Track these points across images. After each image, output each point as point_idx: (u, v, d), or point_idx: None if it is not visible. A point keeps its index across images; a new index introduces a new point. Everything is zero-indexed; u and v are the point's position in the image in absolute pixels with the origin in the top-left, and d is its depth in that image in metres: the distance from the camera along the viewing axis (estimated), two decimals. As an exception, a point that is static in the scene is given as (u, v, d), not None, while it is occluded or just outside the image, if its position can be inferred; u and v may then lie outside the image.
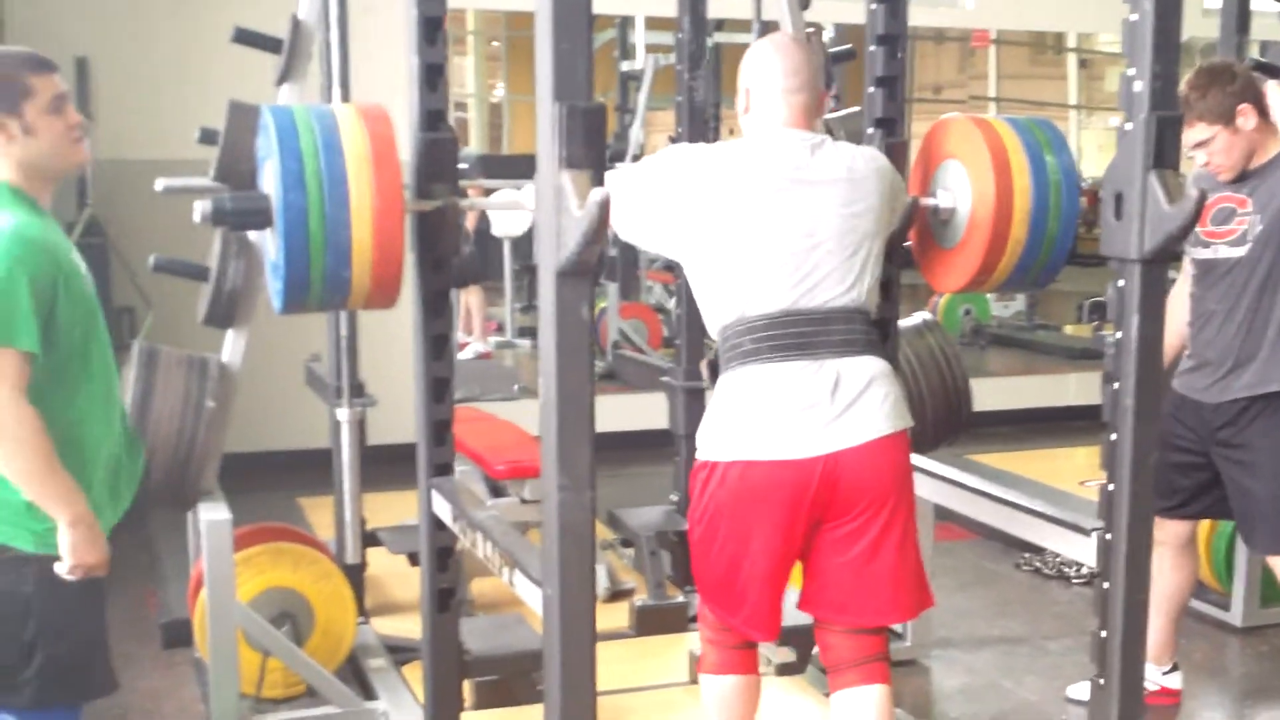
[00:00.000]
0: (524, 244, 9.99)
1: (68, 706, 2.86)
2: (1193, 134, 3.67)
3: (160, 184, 4.15)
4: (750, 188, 2.94)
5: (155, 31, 6.89)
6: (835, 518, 2.93)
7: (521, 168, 11.46)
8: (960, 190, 3.36)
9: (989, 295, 10.88)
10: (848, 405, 2.89)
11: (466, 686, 3.73)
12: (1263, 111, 3.66)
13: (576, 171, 2.30)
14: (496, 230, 9.73)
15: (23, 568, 2.75)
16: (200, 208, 3.04)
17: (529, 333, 10.38)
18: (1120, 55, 2.58)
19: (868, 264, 3.00)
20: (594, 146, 2.33)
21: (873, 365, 2.96)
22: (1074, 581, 5.44)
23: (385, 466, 5.00)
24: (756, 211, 2.93)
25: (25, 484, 2.68)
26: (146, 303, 6.66)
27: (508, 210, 8.43)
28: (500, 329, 10.19)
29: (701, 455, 2.98)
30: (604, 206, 2.23)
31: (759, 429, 2.89)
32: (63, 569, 2.72)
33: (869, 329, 3.00)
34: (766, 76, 3.07)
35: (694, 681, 4.08)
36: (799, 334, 2.91)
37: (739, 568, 2.94)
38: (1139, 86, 2.53)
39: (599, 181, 2.31)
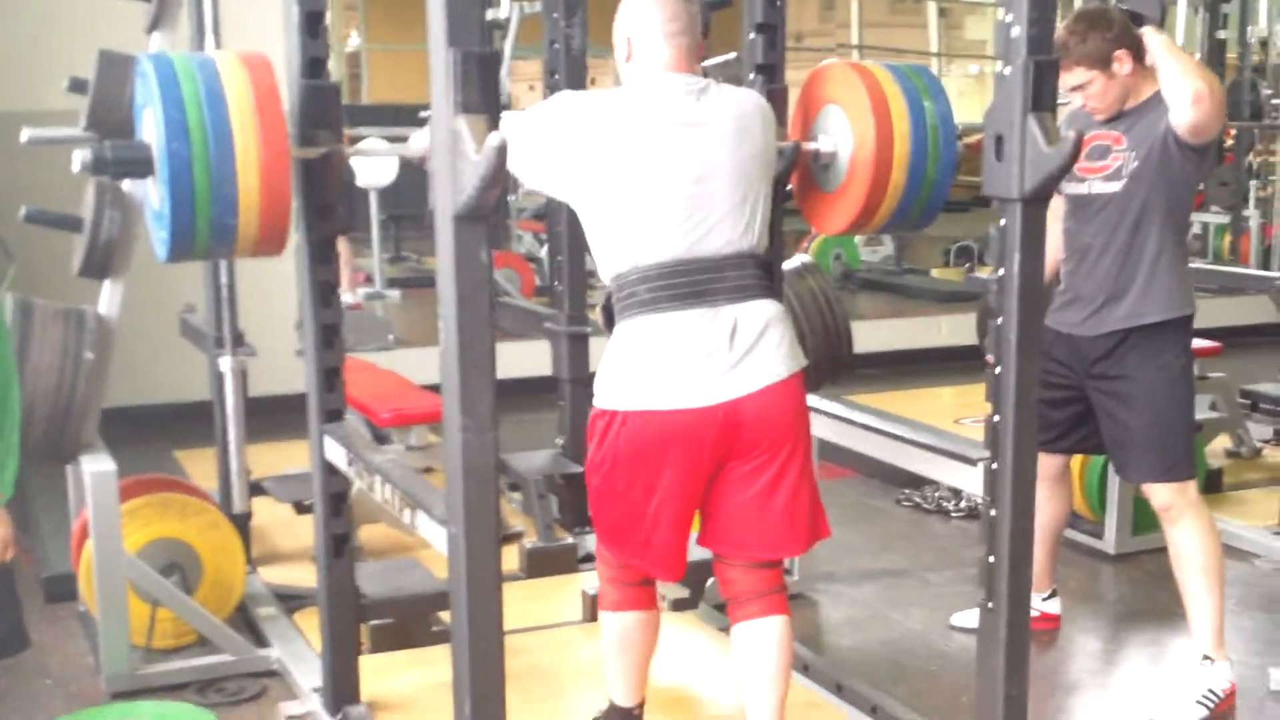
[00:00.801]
0: (390, 194, 9.89)
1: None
2: (1070, 78, 3.76)
3: (26, 134, 4.08)
4: (639, 133, 2.95)
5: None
6: (737, 459, 2.98)
7: (382, 116, 11.40)
8: (841, 135, 3.42)
9: (858, 240, 11.04)
10: (746, 351, 2.94)
11: (363, 631, 3.75)
12: (1138, 56, 3.76)
13: (472, 116, 2.32)
14: (361, 181, 9.61)
15: None
16: (80, 157, 2.99)
17: (398, 283, 10.33)
18: (978, 4, 2.65)
19: (758, 208, 3.03)
20: (489, 91, 2.35)
21: (768, 309, 3.00)
22: (953, 516, 5.59)
23: (262, 418, 4.97)
24: (646, 157, 2.94)
25: None
26: (9, 255, 6.51)
27: (373, 160, 8.38)
28: (369, 280, 10.11)
29: (600, 404, 3.00)
30: (501, 151, 2.25)
31: (659, 378, 2.92)
32: None
33: (761, 273, 3.04)
34: (647, 22, 3.08)
35: (588, 620, 4.15)
36: (693, 282, 2.93)
37: (643, 512, 2.98)
38: (1016, 32, 2.59)
39: (494, 126, 2.33)
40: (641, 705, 3.29)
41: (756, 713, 3.09)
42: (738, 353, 2.93)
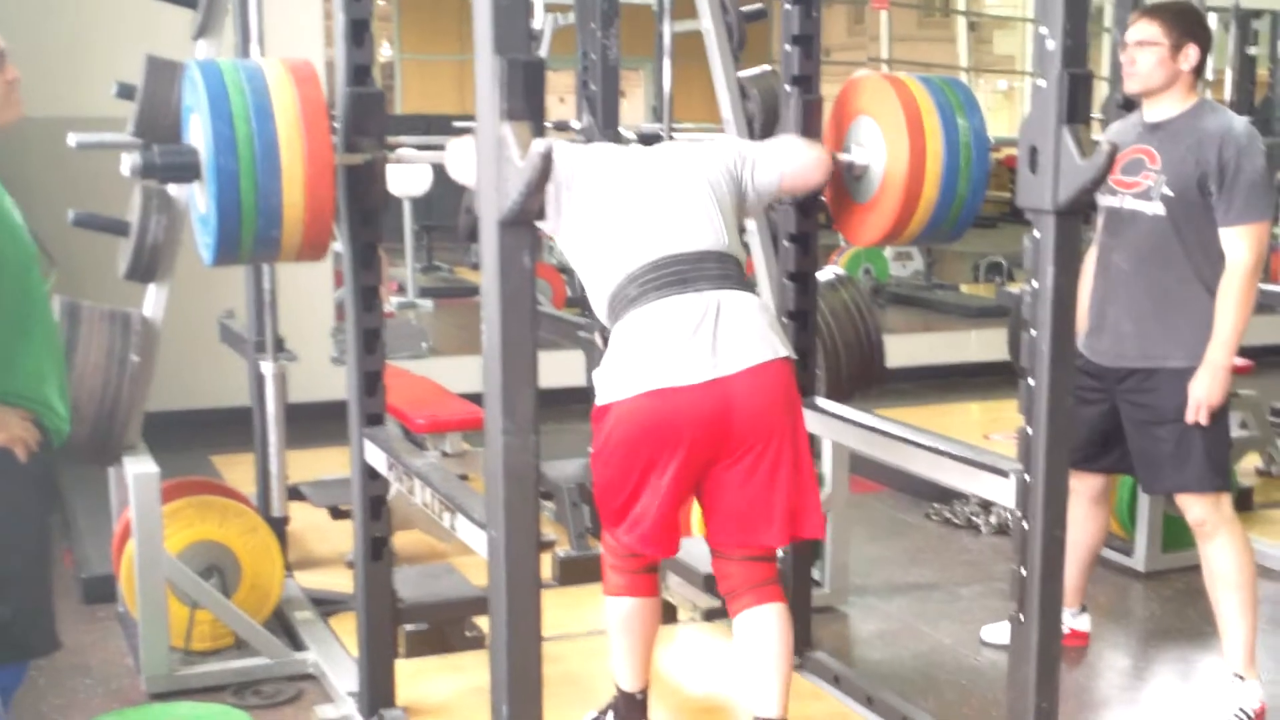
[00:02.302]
0: (423, 205, 9.97)
1: (13, 664, 2.88)
2: (1137, 30, 3.77)
3: (74, 139, 4.14)
4: (617, 171, 3.22)
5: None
6: (732, 448, 3.07)
7: (416, 127, 11.44)
8: (874, 147, 3.47)
9: (887, 255, 11.05)
10: (731, 332, 3.06)
11: (400, 635, 3.79)
12: (1198, 69, 3.77)
13: (518, 123, 2.36)
14: (395, 190, 9.67)
15: None
16: (129, 161, 3.06)
17: (430, 293, 10.40)
18: (1007, 19, 2.68)
19: (729, 218, 3.22)
20: (534, 99, 2.39)
21: (750, 298, 3.14)
22: (983, 531, 5.60)
23: (297, 425, 5.01)
24: (625, 187, 3.18)
25: None
26: (50, 260, 6.58)
27: (407, 170, 8.43)
28: (401, 289, 10.18)
29: (600, 400, 3.13)
30: (546, 157, 2.30)
31: (651, 361, 3.04)
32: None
33: (740, 271, 3.20)
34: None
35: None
36: (678, 272, 3.09)
37: (639, 492, 3.09)
38: (1051, 45, 2.63)
39: (539, 133, 2.37)
40: (646, 690, 3.39)
41: (762, 697, 3.19)
42: (724, 333, 3.05)
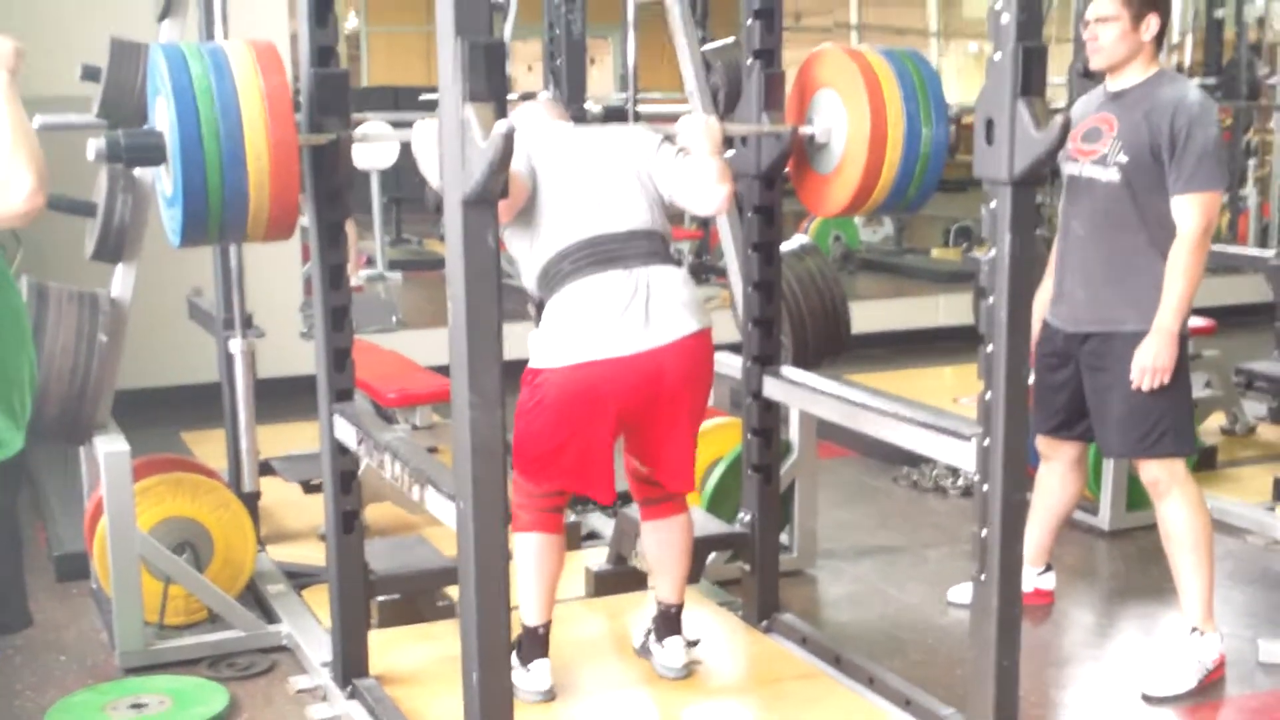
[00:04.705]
0: (391, 177, 9.94)
1: (-16, 641, 2.91)
2: (1099, 6, 3.81)
3: (38, 120, 4.13)
4: (550, 154, 3.44)
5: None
6: (659, 408, 3.40)
7: (383, 99, 11.41)
8: (835, 119, 3.50)
9: (858, 221, 11.09)
10: (661, 306, 3.34)
11: (372, 606, 3.83)
12: (1158, 37, 3.81)
13: (480, 104, 2.40)
14: (361, 163, 9.65)
15: None
16: (94, 145, 3.07)
17: (399, 265, 10.40)
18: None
19: (653, 199, 3.46)
20: (496, 80, 2.43)
21: (676, 272, 3.43)
22: (950, 493, 5.67)
23: (268, 400, 5.04)
24: (558, 169, 3.42)
25: None
26: (17, 239, 6.58)
27: (374, 144, 8.42)
28: (370, 262, 10.17)
29: (533, 364, 3.38)
30: (508, 138, 2.34)
31: (587, 333, 3.31)
32: None
33: (666, 247, 3.47)
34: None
35: (591, 596, 4.24)
36: (608, 250, 3.36)
37: (567, 448, 3.38)
38: (1006, 19, 2.68)
39: (501, 114, 2.41)
40: (548, 625, 3.56)
41: (666, 585, 3.67)
42: (654, 308, 3.33)
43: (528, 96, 5.67)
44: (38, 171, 2.58)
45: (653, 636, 3.73)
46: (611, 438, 3.42)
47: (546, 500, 3.51)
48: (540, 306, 3.41)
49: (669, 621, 3.70)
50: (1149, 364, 3.75)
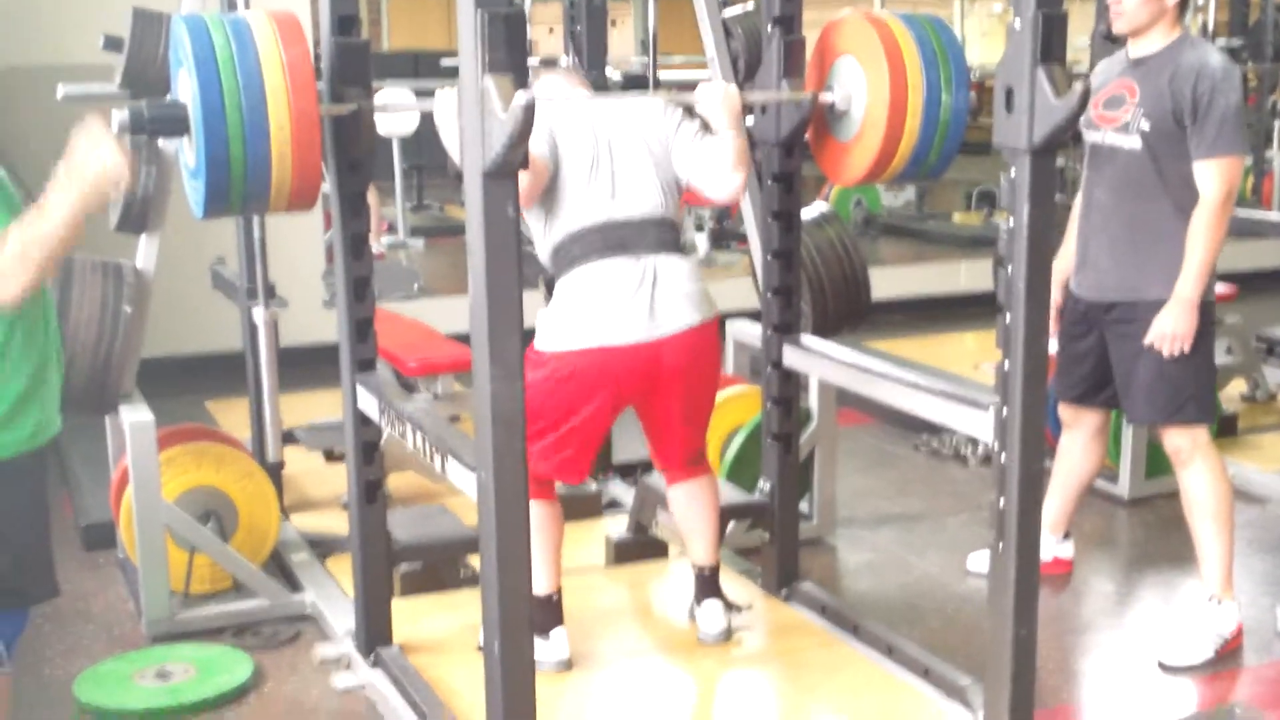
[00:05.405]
0: (412, 143, 9.96)
1: (14, 610, 2.93)
2: None
3: (62, 91, 4.18)
4: (569, 131, 3.45)
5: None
6: (659, 394, 3.48)
7: (404, 64, 11.42)
8: (855, 86, 3.50)
9: (879, 186, 11.06)
10: (665, 297, 3.40)
11: (395, 575, 3.86)
12: (1182, 2, 3.79)
13: (500, 75, 2.40)
14: (383, 130, 9.67)
15: None
16: (118, 117, 3.07)
17: (421, 231, 10.42)
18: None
19: (668, 184, 3.51)
20: (515, 51, 2.42)
21: (684, 263, 3.48)
22: (970, 461, 5.67)
23: (289, 369, 5.07)
24: (576, 148, 3.44)
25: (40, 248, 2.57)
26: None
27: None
28: (392, 229, 10.20)
29: (538, 345, 3.42)
30: (529, 109, 2.34)
31: (592, 319, 3.37)
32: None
33: (676, 236, 3.52)
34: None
35: (611, 565, 4.27)
36: (619, 236, 3.41)
37: (560, 426, 3.44)
38: (1026, -15, 2.66)
39: (521, 84, 2.40)
40: (559, 593, 3.60)
41: (699, 547, 3.73)
42: (660, 297, 3.40)
43: (548, 63, 5.70)
44: (33, 283, 2.60)
45: (694, 601, 3.78)
46: (606, 422, 3.51)
47: (546, 473, 3.54)
48: (550, 285, 3.48)
49: (706, 584, 3.75)
50: (1168, 331, 3.75)
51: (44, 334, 2.79)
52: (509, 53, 2.40)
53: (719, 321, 3.56)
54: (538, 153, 3.31)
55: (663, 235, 3.46)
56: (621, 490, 4.92)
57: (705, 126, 3.53)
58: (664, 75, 7.27)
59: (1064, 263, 4.01)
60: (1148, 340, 3.78)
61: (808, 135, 3.71)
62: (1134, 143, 3.79)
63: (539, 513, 3.50)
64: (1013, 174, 2.75)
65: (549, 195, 3.43)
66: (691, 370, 3.48)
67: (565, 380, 3.39)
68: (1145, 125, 3.76)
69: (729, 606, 3.75)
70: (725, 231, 9.64)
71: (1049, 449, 4.18)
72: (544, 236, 3.48)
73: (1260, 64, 9.45)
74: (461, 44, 2.45)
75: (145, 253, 4.14)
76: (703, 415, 3.66)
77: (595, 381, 3.39)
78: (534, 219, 3.49)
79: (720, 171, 3.44)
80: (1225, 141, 3.70)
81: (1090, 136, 3.92)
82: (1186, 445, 3.87)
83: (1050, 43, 2.66)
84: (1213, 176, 3.70)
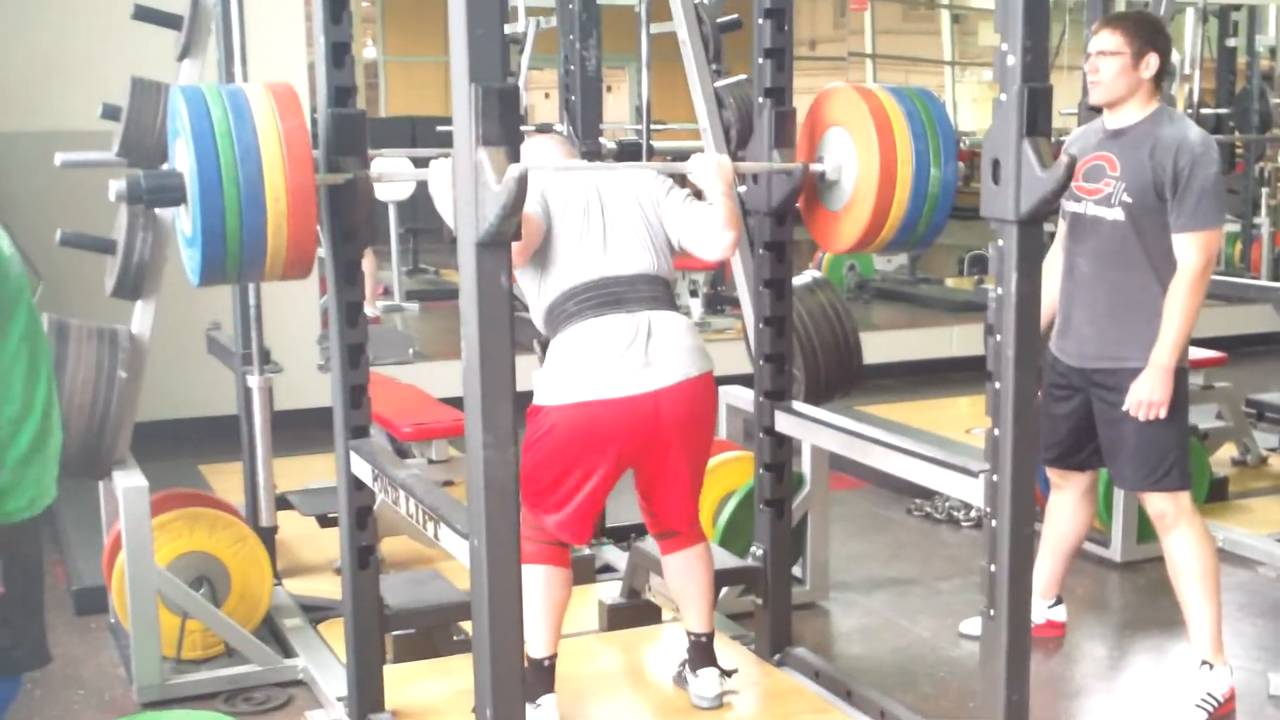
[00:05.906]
0: (408, 208, 10.01)
1: (5, 679, 2.93)
2: (1100, 40, 3.86)
3: (60, 158, 4.22)
4: (562, 198, 3.50)
5: (46, 2, 6.79)
6: (657, 451, 3.48)
7: (401, 129, 11.43)
8: (846, 157, 3.55)
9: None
10: (661, 350, 3.42)
11: (387, 641, 3.86)
12: (1157, 77, 3.86)
13: (493, 149, 2.44)
14: (379, 195, 9.73)
15: None
16: (115, 186, 3.11)
17: (417, 296, 10.46)
18: (991, 11, 2.76)
19: (659, 244, 3.55)
20: (509, 124, 2.47)
21: (678, 318, 3.51)
22: (963, 525, 5.68)
23: (285, 431, 5.09)
24: (569, 212, 3.48)
25: None
26: (36, 274, 6.63)
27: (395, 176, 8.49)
28: (388, 292, 10.23)
29: (537, 401, 3.47)
30: (521, 181, 2.38)
31: (588, 374, 3.39)
32: None
33: (669, 292, 3.56)
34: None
35: (606, 630, 4.27)
36: (613, 293, 3.45)
37: (562, 483, 3.46)
38: (1011, 60, 2.71)
39: (514, 157, 2.45)
40: (554, 658, 3.60)
41: (693, 615, 3.72)
42: (654, 351, 3.41)
43: (544, 129, 5.76)
44: None
45: (687, 668, 3.77)
46: (610, 479, 3.49)
47: (550, 533, 3.53)
48: (545, 345, 3.50)
49: (701, 651, 3.74)
50: (1145, 397, 3.79)
51: (46, 399, 2.80)
52: (503, 126, 2.44)
53: (713, 377, 3.57)
54: (530, 210, 3.34)
55: (656, 291, 3.49)
56: (615, 555, 4.93)
57: (697, 194, 3.57)
58: (658, 144, 7.32)
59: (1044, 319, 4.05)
60: (1125, 406, 3.82)
61: (799, 204, 3.75)
62: (1117, 214, 3.84)
63: (546, 575, 3.53)
64: (1000, 244, 2.79)
65: (542, 253, 3.46)
66: (689, 423, 3.48)
67: (565, 438, 3.40)
68: (1127, 198, 3.82)
69: (724, 673, 3.75)
70: (719, 296, 9.68)
71: (1039, 509, 4.21)
72: (538, 296, 3.50)
73: (1246, 133, 9.55)
74: (456, 117, 2.49)
75: (141, 318, 4.17)
76: (698, 473, 3.65)
77: (595, 438, 3.40)
78: (527, 279, 3.51)
79: (711, 231, 3.48)
80: (1204, 214, 3.75)
81: (1071, 207, 3.98)
82: (1171, 510, 3.90)
83: (1036, 116, 2.71)
84: (1192, 248, 3.76)
